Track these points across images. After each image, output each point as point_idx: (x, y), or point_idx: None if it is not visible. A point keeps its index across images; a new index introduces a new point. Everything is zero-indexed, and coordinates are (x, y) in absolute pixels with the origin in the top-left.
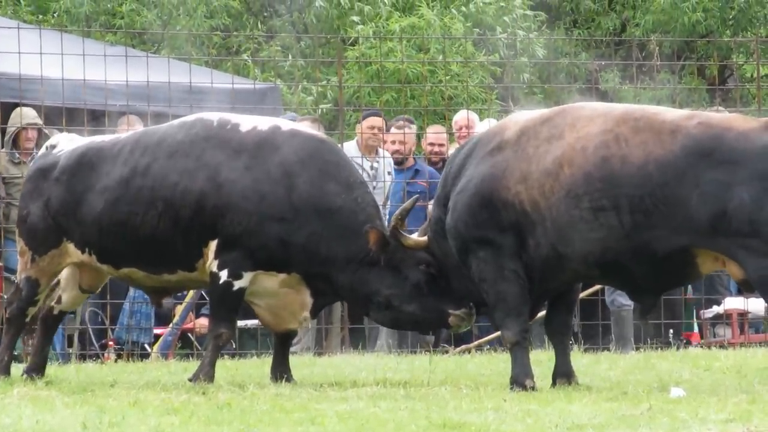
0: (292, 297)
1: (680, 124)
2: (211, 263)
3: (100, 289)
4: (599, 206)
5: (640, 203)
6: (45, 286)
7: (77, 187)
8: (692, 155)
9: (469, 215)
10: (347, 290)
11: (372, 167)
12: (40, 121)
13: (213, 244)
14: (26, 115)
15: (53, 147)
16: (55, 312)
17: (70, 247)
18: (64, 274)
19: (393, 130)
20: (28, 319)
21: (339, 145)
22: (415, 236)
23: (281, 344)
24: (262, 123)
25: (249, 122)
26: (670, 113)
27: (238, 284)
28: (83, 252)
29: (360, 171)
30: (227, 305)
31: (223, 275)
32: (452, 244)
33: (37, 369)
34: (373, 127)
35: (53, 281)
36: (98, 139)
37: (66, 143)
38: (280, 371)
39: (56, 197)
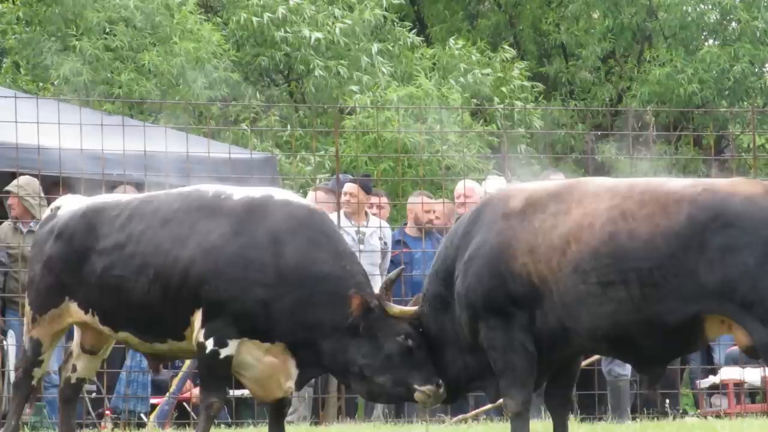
0: (277, 367)
1: (685, 193)
2: (198, 333)
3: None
4: (608, 281)
5: (649, 276)
6: (48, 346)
7: (78, 246)
8: (698, 223)
9: (479, 283)
10: (330, 358)
11: (358, 231)
12: (22, 191)
13: (198, 313)
14: (22, 184)
15: (58, 209)
16: (73, 381)
17: (73, 306)
18: (75, 339)
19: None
20: (34, 382)
21: (330, 216)
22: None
23: (277, 413)
24: (255, 192)
25: (242, 192)
26: (674, 182)
27: (224, 352)
28: (86, 312)
29: (346, 236)
30: (216, 374)
31: (209, 344)
32: (461, 312)
33: None
34: (346, 194)
35: (57, 343)
36: (100, 199)
37: (70, 205)
38: None
39: (57, 255)
